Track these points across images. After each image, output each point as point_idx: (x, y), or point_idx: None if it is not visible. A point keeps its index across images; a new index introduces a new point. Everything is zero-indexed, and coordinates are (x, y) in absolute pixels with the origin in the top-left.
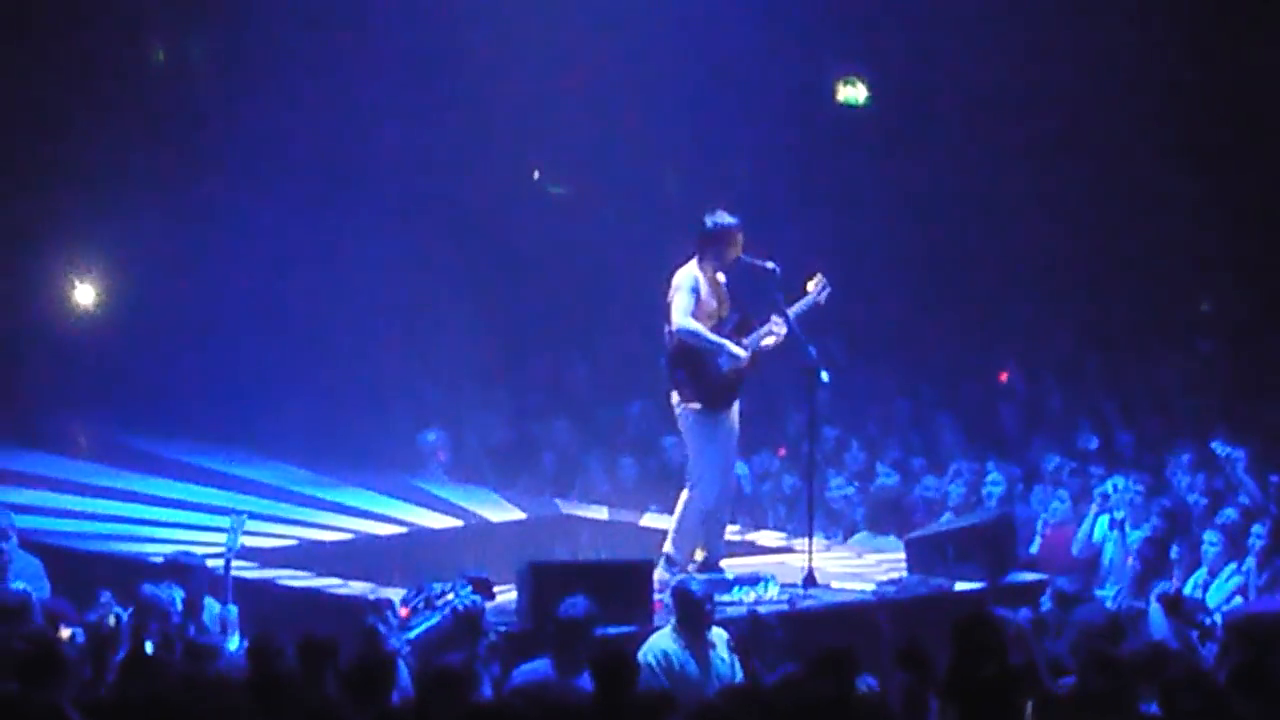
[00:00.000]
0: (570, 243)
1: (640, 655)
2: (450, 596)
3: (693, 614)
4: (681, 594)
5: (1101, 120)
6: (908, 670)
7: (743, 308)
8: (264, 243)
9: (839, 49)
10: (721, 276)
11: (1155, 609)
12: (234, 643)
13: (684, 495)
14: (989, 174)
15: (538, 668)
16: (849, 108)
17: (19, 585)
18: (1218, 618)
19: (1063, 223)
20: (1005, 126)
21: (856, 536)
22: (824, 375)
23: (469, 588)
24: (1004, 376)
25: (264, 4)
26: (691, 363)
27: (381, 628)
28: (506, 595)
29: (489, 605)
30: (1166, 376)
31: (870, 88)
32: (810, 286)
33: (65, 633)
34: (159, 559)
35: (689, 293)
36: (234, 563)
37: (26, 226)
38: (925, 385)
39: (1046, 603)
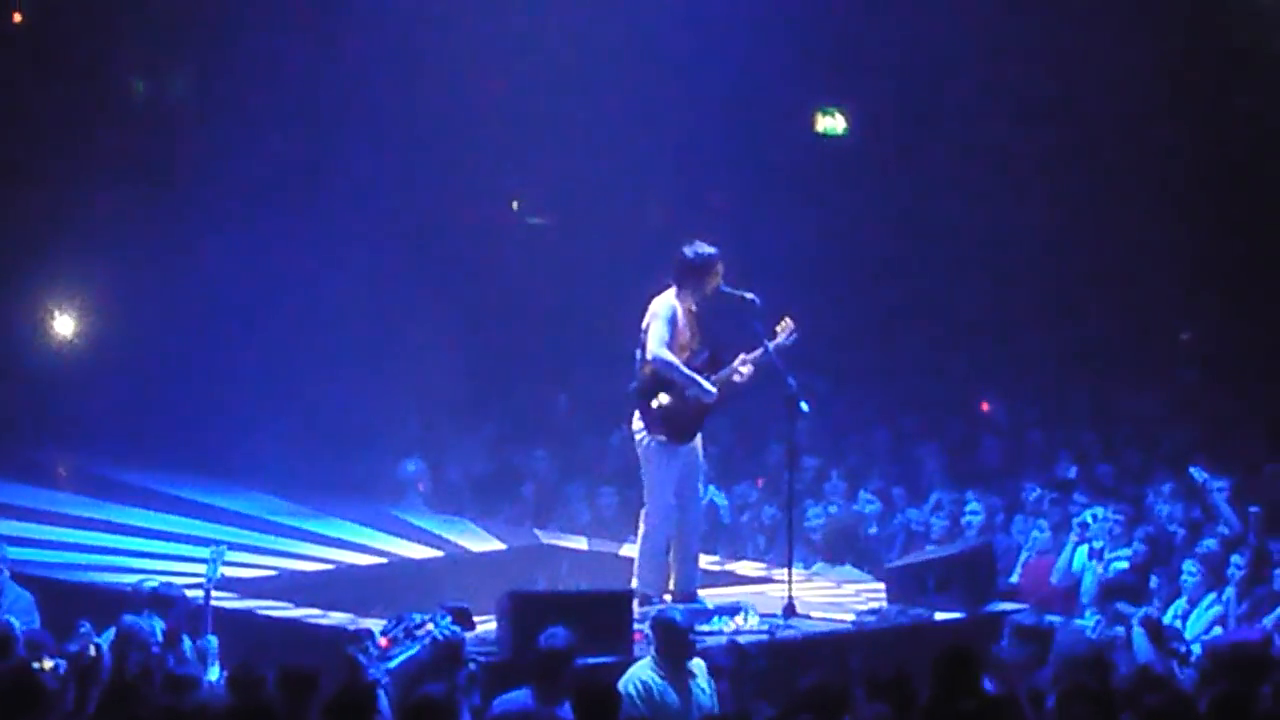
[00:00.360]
0: (550, 273)
1: (621, 685)
2: (430, 627)
3: (674, 644)
4: (663, 624)
5: (1082, 151)
6: (886, 702)
7: (712, 343)
8: (242, 274)
9: (818, 81)
10: (694, 309)
11: (1139, 633)
12: (214, 673)
13: (640, 528)
14: (969, 205)
15: (517, 698)
16: (828, 138)
17: (11, 619)
18: (1196, 647)
19: (1043, 253)
20: (985, 158)
21: (815, 567)
22: (804, 405)
23: (448, 618)
24: (985, 406)
25: (240, 38)
26: (659, 393)
27: (361, 658)
28: (487, 625)
29: (469, 635)
30: (1147, 407)
31: (849, 118)
32: (779, 330)
33: (48, 664)
34: (143, 585)
35: (665, 323)
36: (214, 593)
37: (4, 258)
38: (906, 416)
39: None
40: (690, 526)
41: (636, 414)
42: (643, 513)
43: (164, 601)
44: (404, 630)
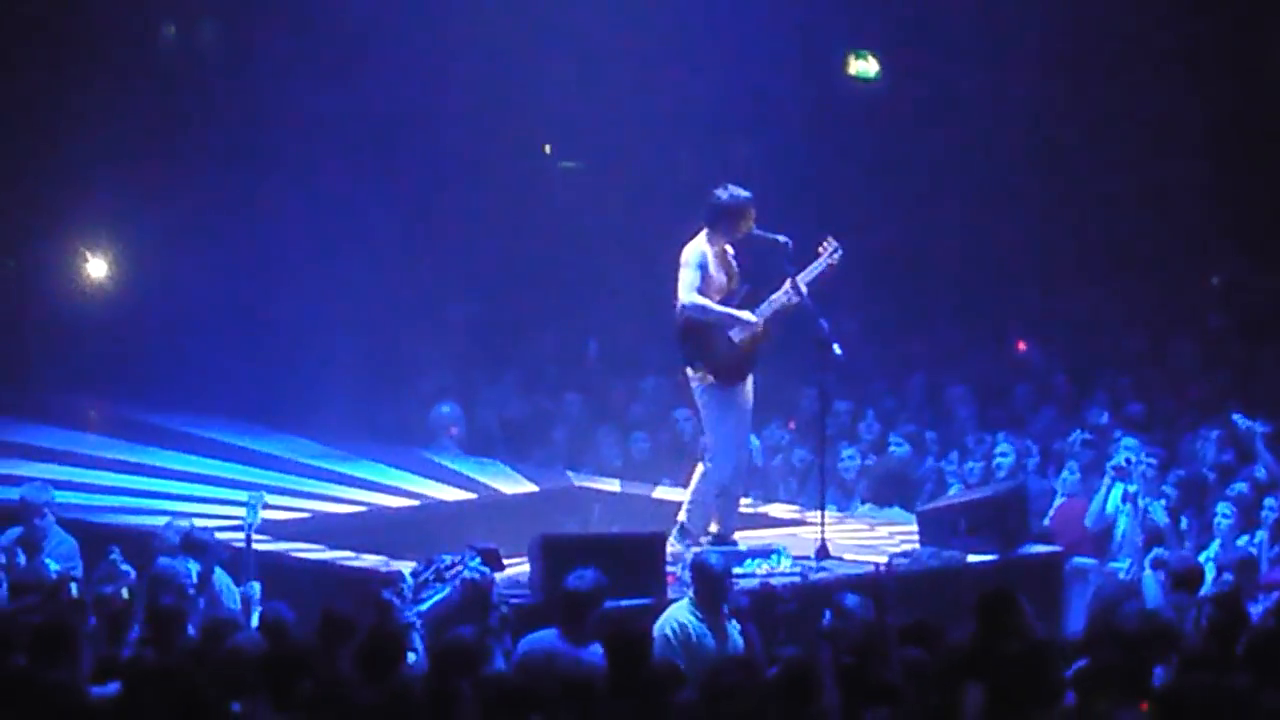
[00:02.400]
0: (582, 217)
1: (657, 627)
2: (460, 569)
3: (712, 587)
4: (701, 567)
5: (1112, 98)
6: (918, 646)
7: (751, 280)
8: (276, 219)
9: (850, 23)
10: (730, 250)
11: (1149, 576)
12: (256, 619)
13: (699, 469)
14: (1002, 151)
15: (544, 637)
16: (861, 81)
17: (52, 564)
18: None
19: (1073, 201)
20: (1017, 103)
21: (862, 509)
22: (836, 348)
23: (478, 559)
24: (1022, 346)
25: None
26: (702, 337)
27: (394, 600)
28: (519, 568)
29: (500, 577)
30: (1179, 354)
31: (881, 62)
32: (821, 250)
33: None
34: (174, 525)
35: (695, 269)
36: (240, 535)
37: (38, 202)
38: (938, 361)
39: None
40: (740, 470)
41: (686, 363)
42: (702, 454)
43: (195, 545)
44: (434, 572)
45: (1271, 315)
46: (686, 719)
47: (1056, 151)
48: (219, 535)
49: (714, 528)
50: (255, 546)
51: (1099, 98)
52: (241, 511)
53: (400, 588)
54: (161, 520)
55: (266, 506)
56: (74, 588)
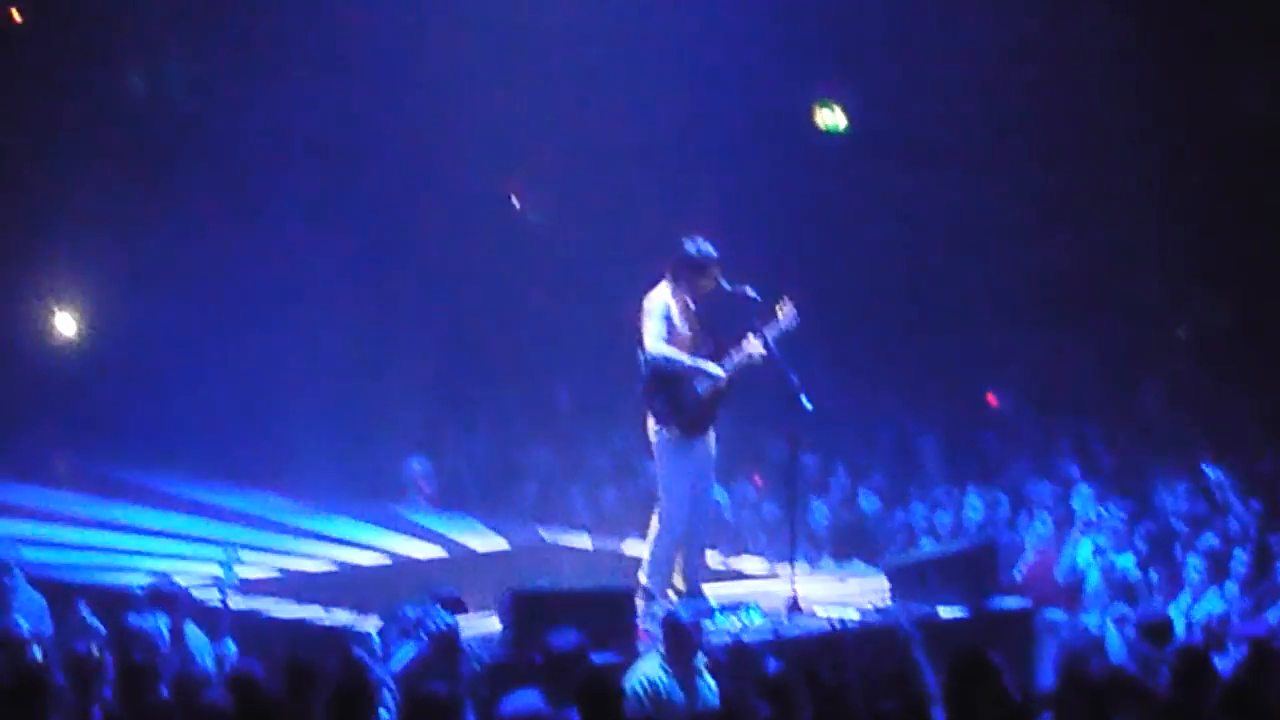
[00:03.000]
0: (549, 269)
1: (626, 683)
2: (425, 621)
3: (682, 642)
4: (671, 622)
5: (1080, 144)
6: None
7: (716, 336)
8: (244, 272)
9: (817, 73)
10: (691, 305)
11: (1112, 631)
12: None
13: (653, 524)
14: (966, 199)
15: (527, 699)
16: (828, 133)
17: (22, 623)
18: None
19: (1040, 247)
20: (984, 151)
21: (821, 563)
22: (805, 401)
23: (440, 608)
24: (992, 399)
25: (239, 31)
26: (667, 389)
27: (365, 657)
28: (490, 623)
29: (471, 634)
30: (1147, 401)
31: (849, 113)
32: (780, 312)
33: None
34: (140, 587)
35: (660, 319)
36: (213, 592)
37: (6, 255)
38: (908, 412)
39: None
40: (702, 522)
41: (648, 413)
42: (657, 510)
43: (166, 598)
44: (400, 629)
45: (1239, 357)
46: None
47: (1025, 197)
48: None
49: (679, 582)
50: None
51: (1067, 145)
52: (212, 568)
53: (370, 645)
54: (133, 577)
55: (240, 563)
56: (37, 650)
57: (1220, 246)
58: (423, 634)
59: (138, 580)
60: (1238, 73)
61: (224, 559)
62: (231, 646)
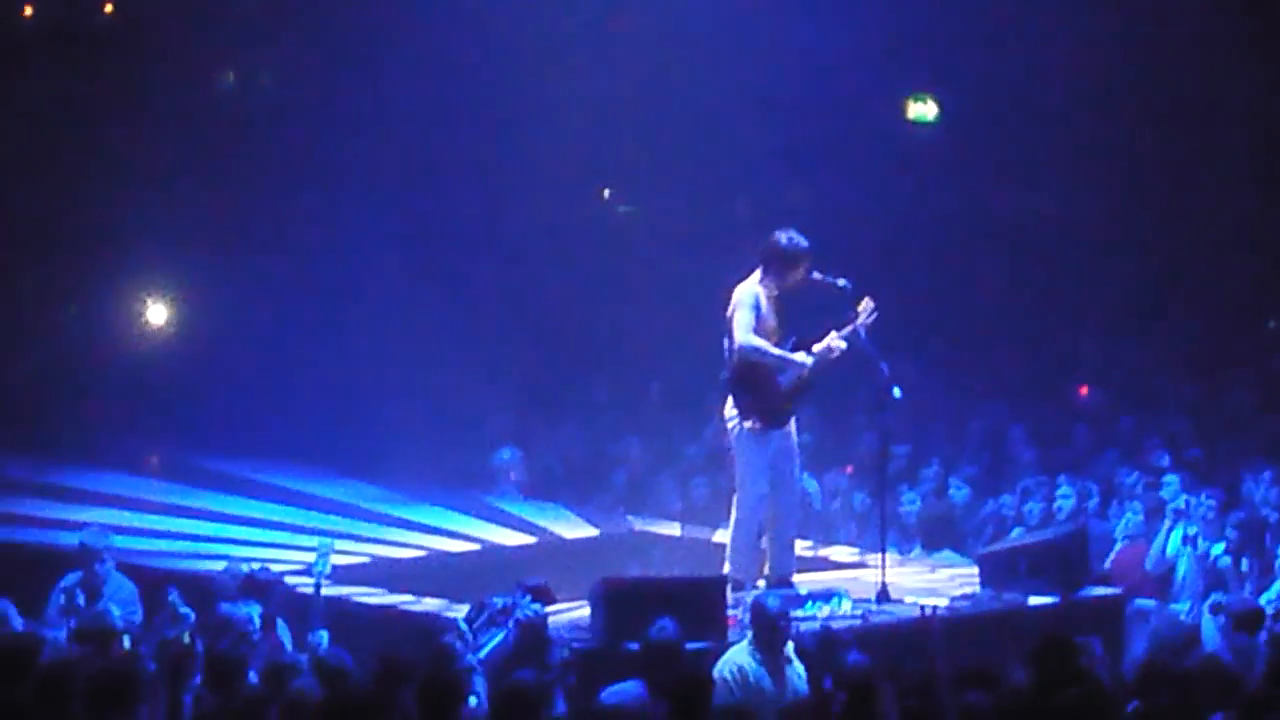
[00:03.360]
0: (641, 261)
1: (716, 670)
2: (513, 610)
3: (769, 629)
4: (758, 609)
5: (1170, 141)
6: (978, 690)
7: (797, 329)
8: (339, 263)
9: (909, 67)
10: (776, 295)
11: (1208, 620)
12: None
13: (732, 514)
14: (1061, 195)
15: (629, 689)
16: (920, 125)
17: (112, 608)
18: None
19: (1133, 245)
20: (1076, 147)
21: (912, 552)
22: (896, 391)
23: (529, 598)
24: (1084, 390)
25: (329, 31)
26: (752, 380)
27: (457, 645)
28: (579, 611)
29: (561, 620)
30: (1239, 396)
31: (941, 105)
32: (860, 309)
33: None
34: (237, 569)
35: (750, 309)
36: (304, 579)
37: (99, 247)
38: (998, 404)
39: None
40: (786, 511)
41: (729, 402)
42: (734, 500)
43: (260, 587)
44: (489, 617)
45: None
46: None
47: (1118, 195)
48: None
49: (766, 570)
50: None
51: (1159, 140)
52: (302, 555)
53: (460, 632)
54: (224, 565)
55: (334, 552)
56: (127, 640)
57: None
58: (510, 622)
59: (225, 568)
60: None
61: (318, 549)
62: (324, 636)
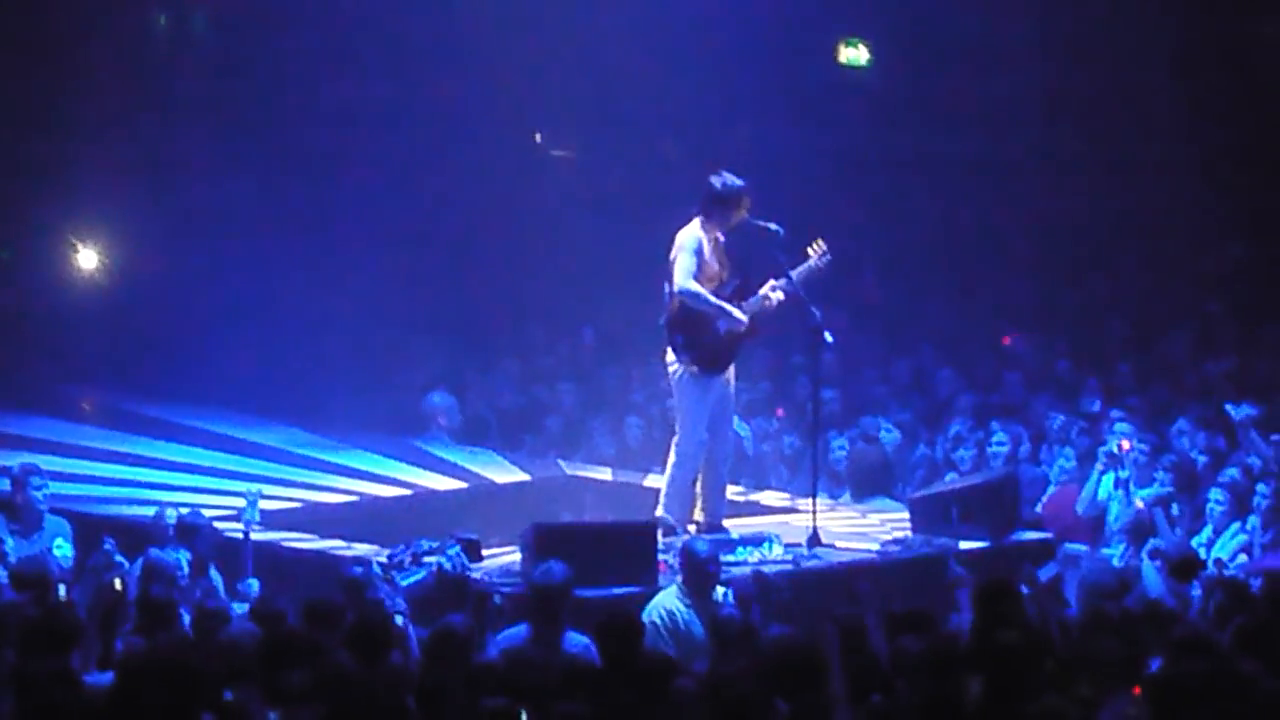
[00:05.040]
0: (573, 205)
1: (645, 614)
2: (436, 555)
3: (699, 573)
4: (688, 553)
5: (1103, 84)
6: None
7: (743, 272)
8: (267, 209)
9: (840, 11)
10: (721, 238)
11: (1149, 565)
12: None
13: (670, 457)
14: (991, 138)
15: (516, 634)
16: (852, 69)
17: (62, 547)
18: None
19: (1065, 188)
20: (1007, 89)
21: (842, 499)
22: (828, 336)
23: (457, 548)
24: (1007, 340)
25: None
26: (690, 325)
27: (384, 589)
28: (511, 556)
29: (493, 565)
30: (1174, 341)
31: (872, 50)
32: (811, 252)
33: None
34: (164, 515)
35: (691, 254)
36: (233, 525)
37: (28, 193)
38: (929, 351)
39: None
40: (720, 457)
41: (669, 347)
42: (673, 442)
43: (189, 530)
44: (410, 555)
45: (1267, 298)
46: (686, 706)
47: (1049, 138)
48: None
49: (699, 515)
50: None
51: (1090, 85)
52: (232, 501)
53: (390, 576)
54: (153, 510)
55: (263, 498)
56: (62, 589)
57: (1243, 193)
58: (435, 565)
59: (156, 513)
60: (1261, 21)
61: (247, 497)
62: (254, 585)
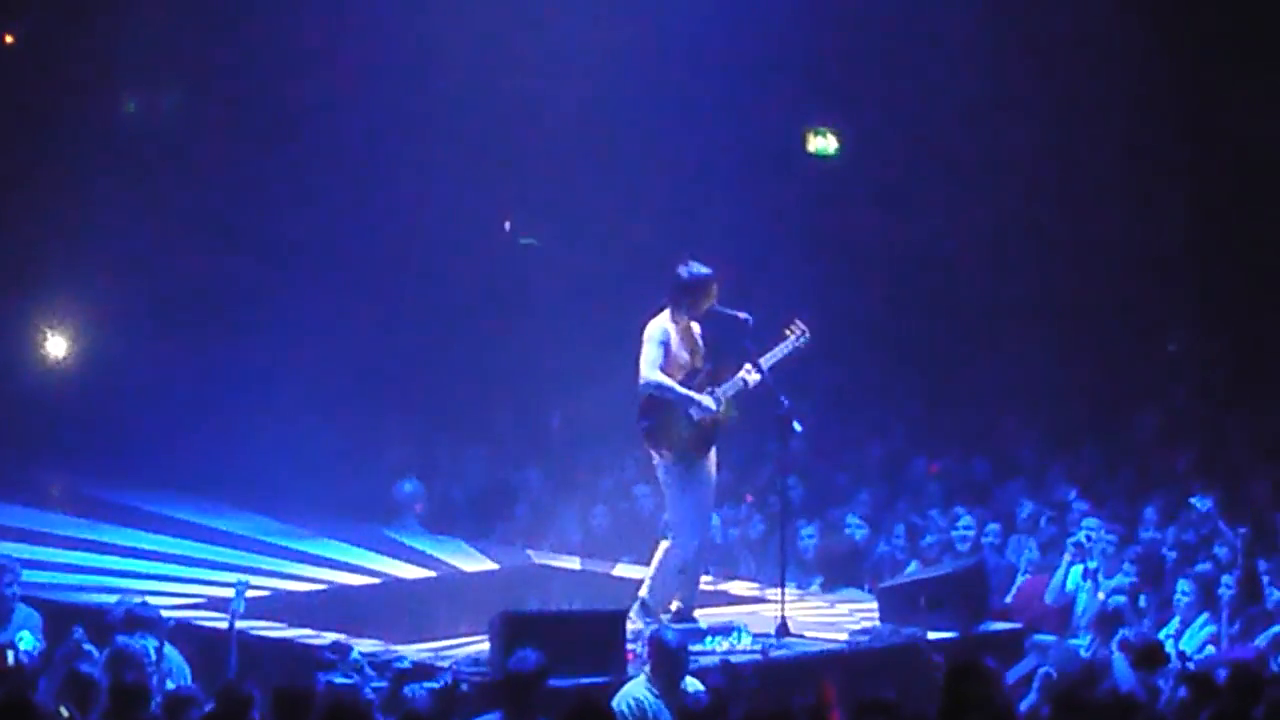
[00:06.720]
0: (542, 293)
1: (614, 704)
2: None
3: (668, 663)
4: (657, 643)
5: (1073, 170)
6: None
7: (716, 358)
8: (235, 294)
9: (810, 100)
10: (696, 327)
11: (1119, 658)
12: None
13: (663, 545)
14: (957, 227)
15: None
16: (820, 158)
17: (27, 639)
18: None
19: (1031, 275)
20: (977, 177)
21: (811, 588)
22: (796, 425)
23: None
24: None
25: (230, 56)
26: (662, 415)
27: (355, 678)
28: (480, 645)
29: (460, 654)
30: (1140, 427)
31: (841, 138)
32: (789, 332)
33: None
34: (119, 605)
35: (657, 345)
36: (205, 613)
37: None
38: (904, 438)
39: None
40: (701, 546)
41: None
42: (667, 532)
43: (140, 622)
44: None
45: (1233, 383)
46: None
47: (1015, 223)
48: (184, 614)
49: (675, 605)
50: (217, 624)
51: (1058, 170)
52: (202, 589)
53: (360, 665)
54: (113, 599)
55: (219, 584)
56: (10, 655)
57: (1211, 273)
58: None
59: (117, 602)
60: (1232, 97)
61: (236, 586)
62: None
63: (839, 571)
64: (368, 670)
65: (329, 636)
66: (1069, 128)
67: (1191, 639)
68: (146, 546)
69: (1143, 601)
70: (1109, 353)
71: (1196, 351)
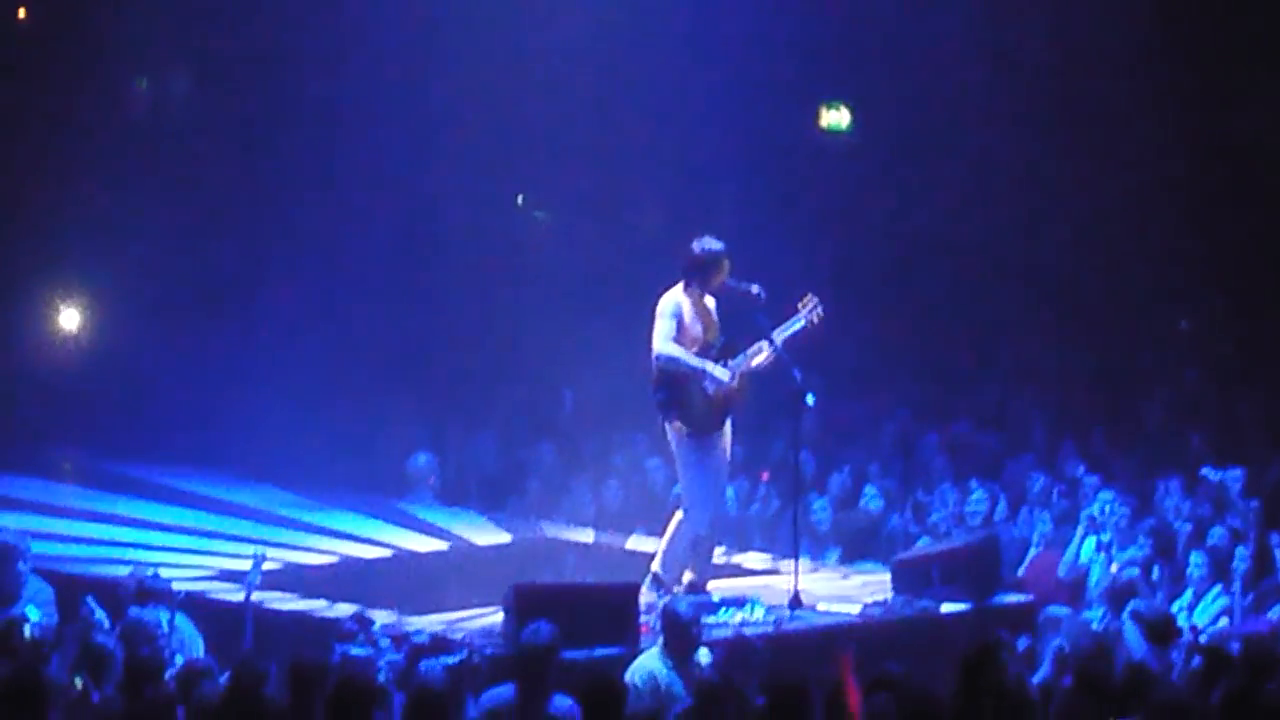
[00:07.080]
0: (555, 268)
1: (627, 676)
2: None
3: (680, 635)
4: (669, 615)
5: (1083, 149)
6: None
7: (729, 332)
8: (250, 268)
9: (821, 80)
10: (710, 301)
11: (1130, 628)
12: None
13: (676, 517)
14: (973, 203)
15: (502, 693)
16: (832, 133)
17: (33, 612)
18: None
19: (1047, 252)
20: (988, 154)
21: (824, 559)
22: (809, 399)
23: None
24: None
25: (244, 36)
26: (676, 387)
27: (369, 650)
28: (493, 618)
29: (474, 625)
30: (1153, 407)
31: (854, 113)
32: (801, 305)
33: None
34: (130, 577)
35: (670, 318)
36: (219, 585)
37: (9, 253)
38: (914, 415)
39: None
40: (714, 518)
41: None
42: (681, 505)
43: (151, 594)
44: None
45: (1245, 363)
46: None
47: (1029, 203)
48: (198, 586)
49: (688, 577)
50: (229, 597)
51: (1068, 148)
52: (215, 561)
53: (375, 637)
54: (124, 571)
55: (234, 556)
56: (27, 629)
57: (1223, 254)
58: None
59: (130, 573)
60: (1244, 84)
61: (252, 560)
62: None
63: (857, 545)
64: (385, 644)
65: (342, 608)
66: (1079, 95)
67: (1204, 612)
68: (160, 519)
69: (1155, 574)
70: (1120, 332)
71: (1208, 330)
